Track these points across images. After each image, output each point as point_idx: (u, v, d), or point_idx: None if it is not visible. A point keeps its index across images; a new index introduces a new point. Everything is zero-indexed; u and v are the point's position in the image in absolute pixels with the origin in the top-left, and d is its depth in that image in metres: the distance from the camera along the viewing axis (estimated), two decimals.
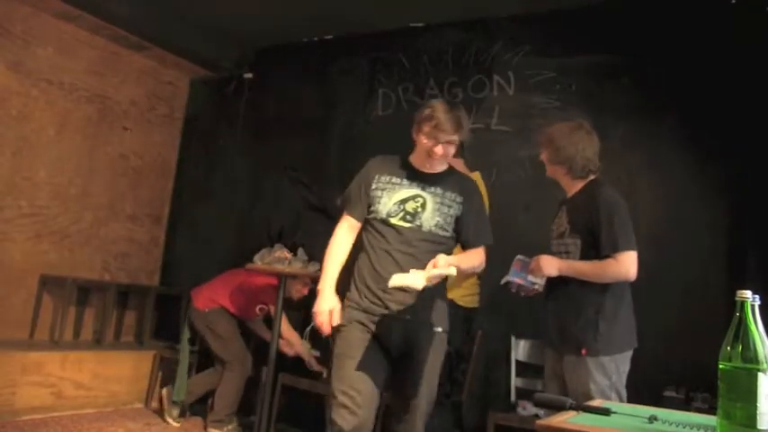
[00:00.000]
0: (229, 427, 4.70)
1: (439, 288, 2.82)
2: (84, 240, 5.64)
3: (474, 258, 2.86)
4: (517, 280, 2.98)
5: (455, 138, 2.81)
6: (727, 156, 3.87)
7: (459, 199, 2.88)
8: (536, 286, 3.01)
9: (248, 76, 6.07)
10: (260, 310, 4.79)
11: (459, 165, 3.59)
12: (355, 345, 2.79)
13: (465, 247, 2.94)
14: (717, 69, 3.98)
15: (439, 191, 2.87)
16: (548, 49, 4.58)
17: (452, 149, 2.86)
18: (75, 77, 5.54)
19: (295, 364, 4.77)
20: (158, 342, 5.67)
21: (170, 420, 4.83)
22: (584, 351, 2.77)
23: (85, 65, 5.61)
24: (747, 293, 1.49)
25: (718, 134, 3.91)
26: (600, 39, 4.39)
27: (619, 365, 2.80)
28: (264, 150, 5.79)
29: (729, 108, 3.90)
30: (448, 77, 4.95)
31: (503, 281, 3.05)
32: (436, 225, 2.81)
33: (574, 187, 3.03)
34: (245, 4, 5.09)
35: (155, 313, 5.88)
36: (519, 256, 3.03)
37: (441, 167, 2.94)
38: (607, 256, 2.80)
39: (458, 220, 2.86)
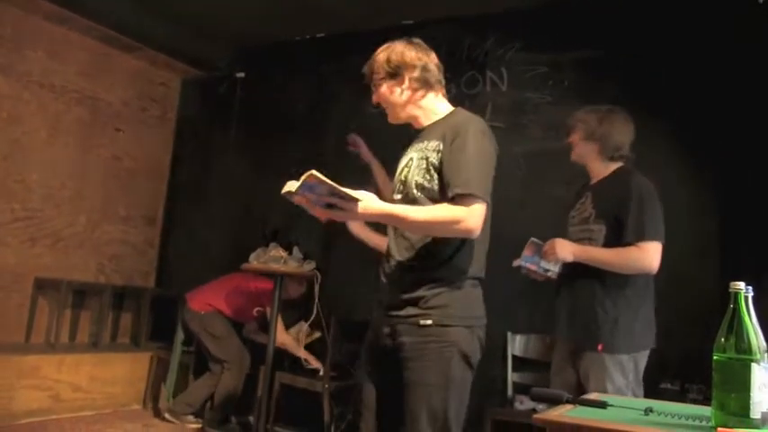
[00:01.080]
0: (228, 426, 4.72)
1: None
2: (78, 243, 5.64)
3: (432, 211, 2.08)
4: (529, 265, 2.83)
5: (372, 79, 2.47)
6: (718, 148, 3.90)
7: (439, 146, 2.19)
8: (549, 273, 2.86)
9: (240, 75, 6.06)
10: (257, 312, 4.81)
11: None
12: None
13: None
14: (708, 65, 4.01)
15: (422, 144, 2.27)
16: (540, 45, 4.60)
17: (382, 92, 2.43)
18: (67, 79, 5.53)
19: (292, 363, 4.79)
20: (155, 344, 5.67)
21: (190, 426, 4.83)
22: (600, 347, 2.66)
23: (77, 67, 5.60)
24: (741, 285, 1.51)
25: (710, 127, 3.94)
26: (592, 34, 4.41)
27: (638, 364, 2.71)
28: (258, 150, 5.79)
29: (721, 102, 3.93)
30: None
31: (515, 263, 2.92)
32: (417, 186, 2.20)
33: (603, 171, 2.94)
34: (236, 3, 5.09)
35: (151, 315, 5.87)
36: (532, 239, 2.90)
37: (427, 119, 2.36)
38: (629, 244, 2.70)
39: (441, 174, 2.17)
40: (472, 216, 2.03)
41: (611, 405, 1.66)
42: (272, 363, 4.19)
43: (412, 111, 2.36)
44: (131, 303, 6.01)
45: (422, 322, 2.12)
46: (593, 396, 1.91)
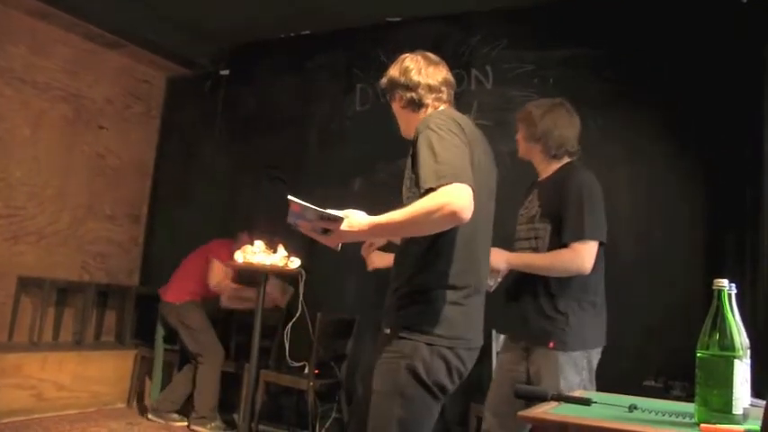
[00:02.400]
0: (212, 424, 4.70)
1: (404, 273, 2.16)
2: (61, 241, 5.59)
3: (413, 207, 1.92)
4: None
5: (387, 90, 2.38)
6: (703, 147, 3.93)
7: (409, 155, 2.16)
8: (491, 286, 2.66)
9: (225, 73, 6.04)
10: (229, 267, 4.78)
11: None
12: None
13: None
14: (694, 61, 4.03)
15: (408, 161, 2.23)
16: (526, 43, 4.61)
17: (395, 105, 2.36)
18: (50, 76, 5.48)
19: (277, 361, 4.78)
20: (139, 342, 5.64)
21: (175, 424, 4.81)
22: (551, 344, 2.61)
23: (60, 63, 5.54)
24: (724, 282, 1.51)
25: (694, 125, 3.97)
26: (577, 32, 4.43)
27: (591, 361, 2.67)
28: (243, 148, 5.78)
29: (706, 99, 3.96)
30: None
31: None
32: (405, 199, 2.16)
33: (548, 169, 2.85)
34: (221, 0, 5.06)
35: (135, 313, 5.84)
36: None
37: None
38: (565, 245, 2.63)
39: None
40: (451, 196, 1.86)
41: (596, 402, 1.66)
42: (256, 361, 4.18)
43: (406, 129, 2.33)
44: (115, 301, 5.97)
45: (383, 330, 2.11)
46: (577, 393, 1.91)
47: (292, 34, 5.67)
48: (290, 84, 5.63)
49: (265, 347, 4.76)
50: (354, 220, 1.98)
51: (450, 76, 2.35)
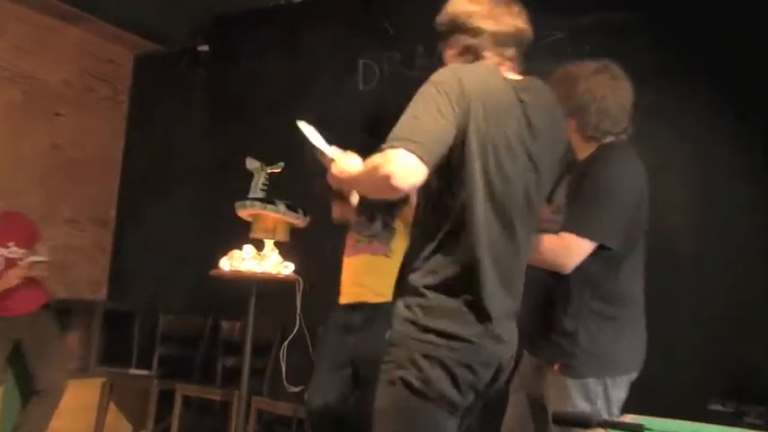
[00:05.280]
0: None
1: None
2: None
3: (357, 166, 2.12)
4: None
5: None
6: None
7: None
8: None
9: (204, 48, 6.06)
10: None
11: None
12: None
13: None
14: (757, 23, 4.01)
15: None
16: (557, 7, 4.59)
17: (447, 54, 2.32)
18: None
19: (272, 385, 4.80)
20: (107, 368, 5.64)
21: None
22: (556, 367, 2.55)
23: (9, 40, 5.55)
24: None
25: (759, 98, 3.94)
26: None
27: (609, 390, 2.53)
28: (227, 136, 5.80)
29: None
30: (440, 44, 4.96)
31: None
32: None
33: (584, 151, 2.69)
34: None
35: (102, 334, 5.85)
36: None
37: None
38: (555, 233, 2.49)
39: None
40: (386, 159, 1.89)
41: (649, 429, 1.66)
42: (247, 385, 4.19)
43: None
44: (79, 320, 5.95)
45: (386, 335, 2.12)
46: (628, 418, 1.92)
47: (283, 2, 5.70)
48: (281, 61, 5.65)
49: (258, 369, 4.78)
50: (343, 163, 2.19)
51: (526, 27, 2.25)
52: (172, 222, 5.89)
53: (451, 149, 1.99)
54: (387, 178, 1.89)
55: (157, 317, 5.53)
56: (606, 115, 2.66)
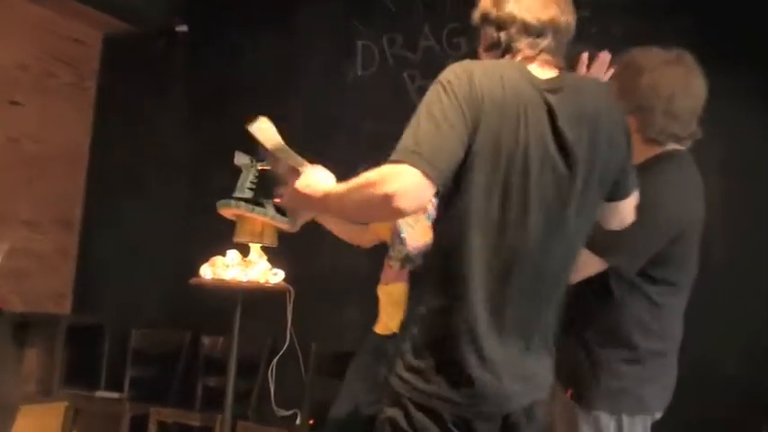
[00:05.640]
0: None
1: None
2: None
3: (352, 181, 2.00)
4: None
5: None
6: None
7: None
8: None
9: (182, 29, 6.10)
10: None
11: None
12: None
13: None
14: None
15: None
16: None
17: (480, 50, 2.27)
18: None
19: (259, 409, 4.82)
20: (72, 390, 5.67)
21: None
22: (569, 393, 2.52)
23: None
24: None
25: None
26: None
27: (625, 429, 2.48)
28: (209, 127, 5.81)
29: None
30: (447, 23, 5.01)
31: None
32: None
33: (640, 153, 2.50)
34: None
35: (66, 351, 5.87)
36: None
37: None
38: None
39: None
40: (390, 175, 1.84)
41: None
42: (231, 409, 4.22)
43: None
44: (39, 336, 5.98)
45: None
46: None
47: None
48: (269, 43, 5.67)
49: (243, 391, 4.83)
50: (313, 179, 2.09)
51: (564, 18, 2.15)
52: (146, 224, 5.91)
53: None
54: (388, 199, 1.82)
55: (129, 332, 5.54)
56: (674, 118, 2.54)
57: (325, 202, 2.08)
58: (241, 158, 4.48)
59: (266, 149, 2.09)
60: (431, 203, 2.40)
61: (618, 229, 2.28)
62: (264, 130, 2.18)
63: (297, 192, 2.11)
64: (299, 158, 2.07)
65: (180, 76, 6.10)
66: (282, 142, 2.22)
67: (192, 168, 5.83)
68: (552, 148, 1.99)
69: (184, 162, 5.89)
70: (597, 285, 2.46)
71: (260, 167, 4.50)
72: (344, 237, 3.53)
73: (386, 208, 1.84)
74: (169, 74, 6.12)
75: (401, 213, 1.87)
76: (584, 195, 2.04)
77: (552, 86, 2.04)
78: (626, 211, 2.26)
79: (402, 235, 3.19)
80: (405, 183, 1.82)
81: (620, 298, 2.48)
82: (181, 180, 5.88)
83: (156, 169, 6.08)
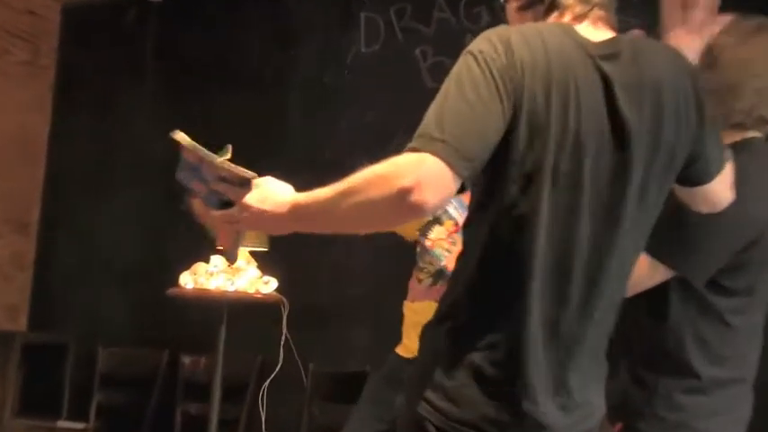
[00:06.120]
0: None
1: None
2: None
3: (351, 180, 1.85)
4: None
5: None
6: None
7: None
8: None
9: None
10: None
11: None
12: None
13: None
14: None
15: None
16: None
17: (509, 7, 2.19)
18: None
19: None
20: (28, 420, 5.75)
21: None
22: (618, 428, 2.50)
23: None
24: None
25: None
26: None
27: None
28: (187, 114, 5.79)
29: None
30: None
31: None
32: None
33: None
34: None
35: (21, 374, 5.92)
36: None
37: None
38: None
39: None
40: (403, 170, 1.74)
41: None
42: None
43: None
44: None
45: None
46: None
47: None
48: (258, 15, 5.74)
49: (230, 419, 4.90)
50: (269, 191, 1.92)
51: None
52: (116, 227, 5.96)
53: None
54: (404, 194, 1.70)
55: (96, 351, 5.56)
56: (762, 96, 2.48)
57: (295, 213, 1.88)
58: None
59: (201, 162, 1.89)
60: (452, 204, 2.46)
61: (709, 212, 2.18)
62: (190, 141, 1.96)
63: (251, 209, 1.90)
64: (243, 169, 1.90)
65: (154, 53, 6.14)
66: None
67: (169, 162, 5.79)
68: (608, 127, 1.90)
69: (160, 154, 5.85)
70: (653, 299, 2.42)
71: (227, 158, 4.49)
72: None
73: (401, 205, 1.72)
74: (141, 51, 6.15)
75: (420, 211, 1.73)
76: (645, 184, 1.95)
77: (607, 51, 1.93)
78: (716, 194, 2.14)
79: (435, 254, 3.25)
80: (425, 174, 1.71)
81: (680, 315, 2.42)
82: (156, 175, 5.79)
83: (126, 163, 6.11)
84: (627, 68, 1.91)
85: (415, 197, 1.67)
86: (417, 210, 1.71)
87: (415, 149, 1.72)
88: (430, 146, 1.71)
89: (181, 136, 1.89)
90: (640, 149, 1.89)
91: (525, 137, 1.80)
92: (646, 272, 2.29)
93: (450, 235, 3.52)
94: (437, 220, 3.51)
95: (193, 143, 1.89)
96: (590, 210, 1.89)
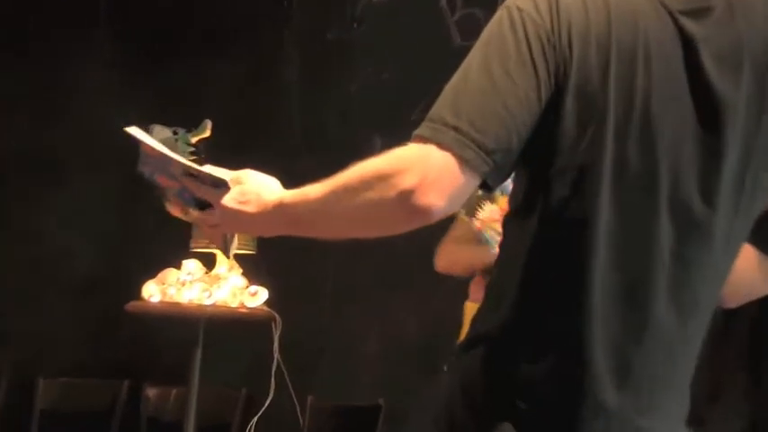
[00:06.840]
0: None
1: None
2: None
3: (345, 177, 1.86)
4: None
5: None
6: None
7: None
8: None
9: None
10: None
11: None
12: None
13: None
14: None
15: None
16: None
17: None
18: None
19: None
20: None
21: None
22: None
23: None
24: None
25: None
26: None
27: None
28: (150, 86, 5.96)
29: None
30: None
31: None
32: None
33: None
34: None
35: None
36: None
37: None
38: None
39: None
40: (406, 166, 1.75)
41: None
42: None
43: None
44: None
45: None
46: None
47: None
48: None
49: None
50: (252, 189, 1.98)
51: None
52: (62, 227, 6.05)
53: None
54: (405, 196, 1.71)
55: (36, 382, 5.59)
56: None
57: (281, 215, 1.94)
58: (160, 132, 4.49)
59: (165, 159, 1.96)
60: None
61: None
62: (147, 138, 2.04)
63: (230, 211, 1.97)
64: (214, 171, 1.98)
65: (109, 13, 6.24)
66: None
67: (129, 145, 5.87)
68: (691, 105, 1.82)
69: (117, 136, 5.94)
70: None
71: (192, 138, 4.49)
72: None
73: (402, 210, 1.75)
74: (93, 11, 6.25)
75: (426, 216, 1.74)
76: (741, 177, 1.88)
77: (693, 6, 1.84)
78: None
79: (485, 237, 3.39)
80: (431, 171, 1.72)
81: None
82: (112, 162, 5.78)
83: (75, 147, 6.19)
84: (720, 28, 1.83)
85: (417, 200, 1.69)
86: (422, 215, 1.72)
87: (422, 138, 1.73)
88: (439, 135, 1.71)
89: (136, 131, 1.95)
90: (736, 131, 1.82)
91: (573, 120, 1.76)
92: (759, 274, 2.29)
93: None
94: (488, 196, 3.59)
95: (152, 140, 1.94)
96: (669, 212, 1.83)
